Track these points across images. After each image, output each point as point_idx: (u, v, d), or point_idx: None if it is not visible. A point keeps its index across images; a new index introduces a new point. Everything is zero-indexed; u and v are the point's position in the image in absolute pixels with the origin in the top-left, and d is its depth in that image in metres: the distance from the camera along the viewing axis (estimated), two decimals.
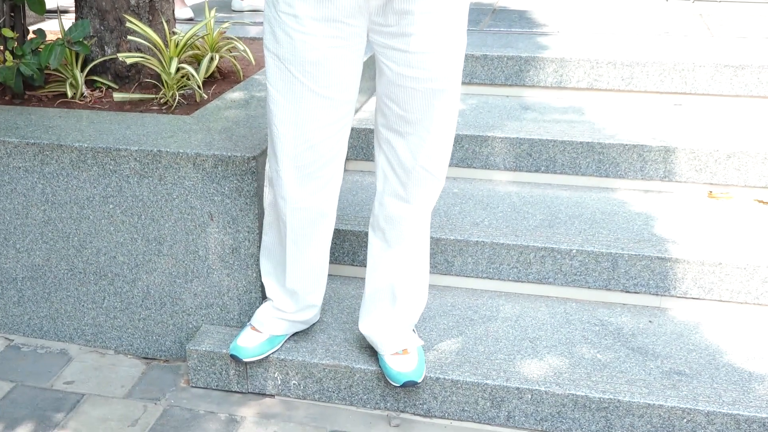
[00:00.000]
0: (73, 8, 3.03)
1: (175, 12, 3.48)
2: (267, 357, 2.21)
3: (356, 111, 3.01)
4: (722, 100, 3.16)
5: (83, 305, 2.50)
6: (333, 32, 1.80)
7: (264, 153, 2.26)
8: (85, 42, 2.73)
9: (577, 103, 3.19)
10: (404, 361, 2.11)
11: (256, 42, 3.46)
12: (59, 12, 3.11)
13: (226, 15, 4.17)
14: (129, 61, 2.67)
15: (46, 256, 2.47)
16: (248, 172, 2.22)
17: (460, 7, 1.83)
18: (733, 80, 3.12)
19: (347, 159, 2.91)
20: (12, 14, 2.89)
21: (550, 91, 3.28)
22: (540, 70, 3.26)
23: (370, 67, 2.89)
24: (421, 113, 1.89)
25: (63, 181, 2.37)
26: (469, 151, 2.88)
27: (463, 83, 3.28)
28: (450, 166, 2.82)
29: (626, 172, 2.81)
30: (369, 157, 2.92)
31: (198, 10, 4.19)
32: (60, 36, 2.77)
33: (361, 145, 2.91)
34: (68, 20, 3.54)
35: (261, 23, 3.88)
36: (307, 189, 1.98)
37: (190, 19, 4.00)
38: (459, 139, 2.85)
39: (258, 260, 2.28)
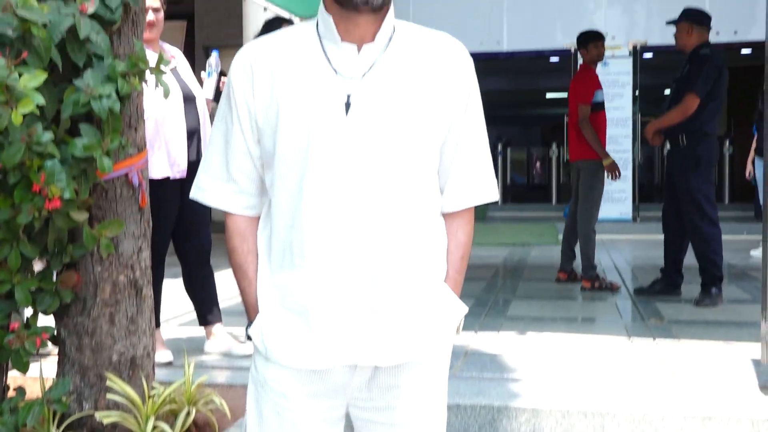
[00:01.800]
0: (57, 352, 3.11)
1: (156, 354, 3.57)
2: None
3: None
4: None
5: None
6: (319, 407, 1.85)
7: None
8: (64, 399, 2.78)
9: None
10: None
11: (231, 390, 3.52)
12: (40, 357, 3.19)
13: (200, 357, 4.27)
14: (106, 421, 2.70)
15: None
16: None
17: (444, 377, 1.92)
18: (701, 431, 3.18)
19: None
20: None
21: None
22: (513, 419, 3.32)
23: None
24: None
25: None
26: None
27: None
28: None
29: None
30: None
31: (177, 351, 4.29)
32: (40, 391, 2.82)
33: None
34: (50, 363, 3.59)
35: (238, 368, 3.97)
36: None
37: (169, 363, 4.09)
38: None
39: None
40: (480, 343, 4.53)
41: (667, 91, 6.58)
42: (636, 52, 11.73)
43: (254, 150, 1.82)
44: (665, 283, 5.99)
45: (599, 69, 6.58)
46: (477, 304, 5.79)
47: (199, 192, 1.90)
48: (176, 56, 4.30)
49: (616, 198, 11.41)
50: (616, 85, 11.34)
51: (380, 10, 1.72)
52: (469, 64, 1.86)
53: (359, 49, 1.75)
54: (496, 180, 1.95)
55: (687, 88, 5.57)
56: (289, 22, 5.25)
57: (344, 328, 1.76)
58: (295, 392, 1.83)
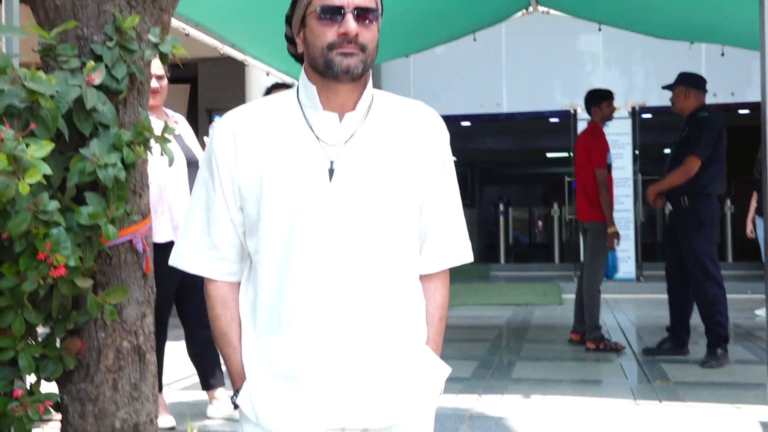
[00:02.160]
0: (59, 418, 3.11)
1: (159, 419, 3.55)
2: None
3: None
4: None
5: None
6: None
7: None
8: None
9: None
10: None
11: None
12: (42, 422, 3.17)
13: (203, 422, 4.24)
14: None
15: None
16: None
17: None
18: None
19: None
20: None
21: None
22: None
23: None
24: None
25: None
26: None
27: None
28: None
29: None
30: None
31: (179, 415, 4.26)
32: None
33: None
34: (52, 429, 3.59)
35: None
36: None
37: (172, 428, 4.06)
38: None
39: None
40: (484, 407, 4.49)
41: (667, 150, 6.63)
42: (635, 113, 11.86)
43: (236, 217, 1.84)
44: (673, 342, 5.97)
45: None
46: (481, 366, 5.77)
47: (179, 259, 1.92)
48: (179, 121, 4.37)
49: (620, 257, 11.40)
50: (616, 145, 11.43)
51: (359, 79, 1.78)
52: (444, 132, 1.92)
53: (341, 117, 1.81)
54: (470, 241, 1.99)
55: (688, 151, 5.62)
56: (291, 87, 5.33)
57: (335, 392, 1.77)
58: None
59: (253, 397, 1.82)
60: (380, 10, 1.83)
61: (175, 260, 1.92)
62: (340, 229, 1.76)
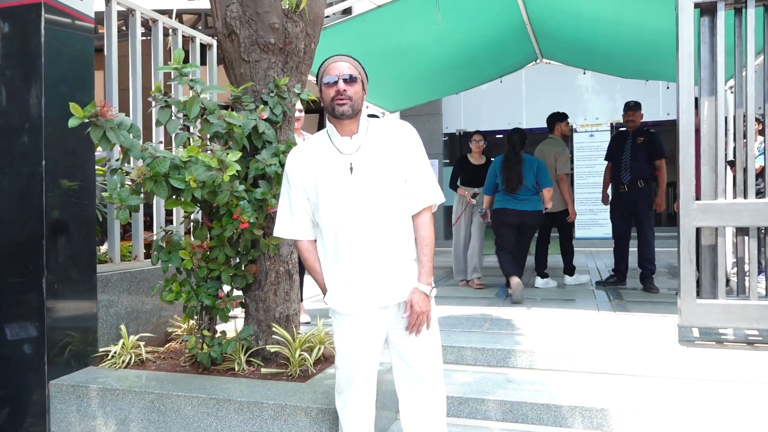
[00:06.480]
0: (243, 313, 3.51)
1: (300, 316, 3.94)
2: None
3: None
4: None
5: None
6: (368, 332, 2.20)
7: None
8: (249, 338, 3.18)
9: (541, 378, 3.40)
10: None
11: None
12: (233, 318, 3.57)
13: (327, 319, 4.61)
14: (272, 350, 3.08)
15: None
16: (335, 413, 2.49)
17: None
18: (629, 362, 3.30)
19: None
20: (209, 321, 3.39)
21: (525, 370, 3.51)
22: (517, 357, 3.53)
23: None
24: None
25: (227, 421, 2.68)
26: (473, 407, 3.08)
27: (468, 363, 3.56)
28: (461, 417, 3.02)
29: (572, 423, 2.95)
30: None
31: (312, 315, 4.65)
32: (234, 334, 3.23)
33: None
34: (239, 321, 3.97)
35: None
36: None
37: (308, 323, 4.45)
38: (466, 400, 3.07)
39: None
40: (501, 313, 4.73)
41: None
42: (612, 127, 11.62)
43: (306, 204, 2.22)
44: (617, 278, 6.00)
45: None
46: (501, 294, 5.95)
47: (278, 230, 2.28)
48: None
49: (598, 223, 11.30)
50: (599, 150, 11.27)
51: (353, 116, 2.12)
52: (410, 131, 2.19)
53: (351, 137, 2.15)
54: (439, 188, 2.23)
55: (657, 154, 5.64)
56: (379, 117, 5.59)
57: (369, 287, 2.14)
58: (353, 327, 2.20)
59: (331, 296, 2.21)
60: (362, 76, 2.13)
61: (276, 231, 2.30)
62: (360, 200, 2.11)
